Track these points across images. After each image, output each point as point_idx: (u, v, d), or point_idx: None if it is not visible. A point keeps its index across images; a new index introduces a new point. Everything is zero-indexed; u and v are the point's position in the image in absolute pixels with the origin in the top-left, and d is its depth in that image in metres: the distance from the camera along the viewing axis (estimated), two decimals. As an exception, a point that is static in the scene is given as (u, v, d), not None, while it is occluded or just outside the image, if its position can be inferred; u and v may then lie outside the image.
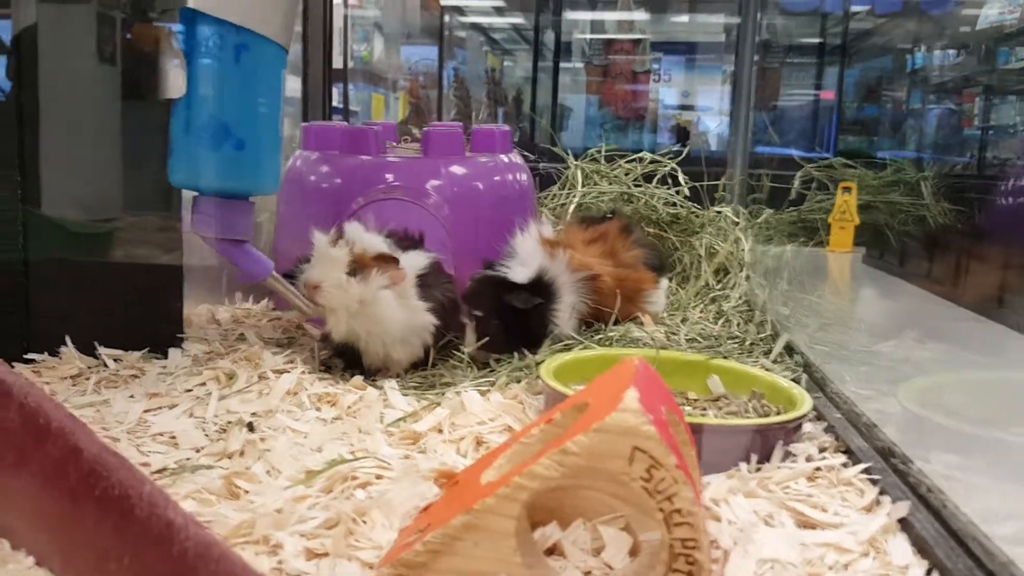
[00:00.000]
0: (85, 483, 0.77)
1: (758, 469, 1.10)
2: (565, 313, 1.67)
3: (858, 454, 1.14)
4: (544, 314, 1.64)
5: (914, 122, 7.75)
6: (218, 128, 1.35)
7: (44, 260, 1.52)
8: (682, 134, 6.56)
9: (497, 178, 2.03)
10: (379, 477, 1.05)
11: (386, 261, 1.44)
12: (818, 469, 1.09)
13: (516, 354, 1.59)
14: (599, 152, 2.41)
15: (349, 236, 1.44)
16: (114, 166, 2.10)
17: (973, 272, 2.20)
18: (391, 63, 7.94)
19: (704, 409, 1.27)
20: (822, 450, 1.18)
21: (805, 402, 1.18)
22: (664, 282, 1.97)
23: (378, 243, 1.48)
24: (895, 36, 7.98)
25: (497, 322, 1.59)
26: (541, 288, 1.63)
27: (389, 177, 1.92)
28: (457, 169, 1.96)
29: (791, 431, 1.14)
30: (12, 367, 1.41)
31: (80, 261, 1.60)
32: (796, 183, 2.89)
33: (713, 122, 7.16)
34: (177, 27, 1.58)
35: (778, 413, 1.22)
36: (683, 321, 1.96)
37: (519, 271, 1.63)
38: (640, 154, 2.38)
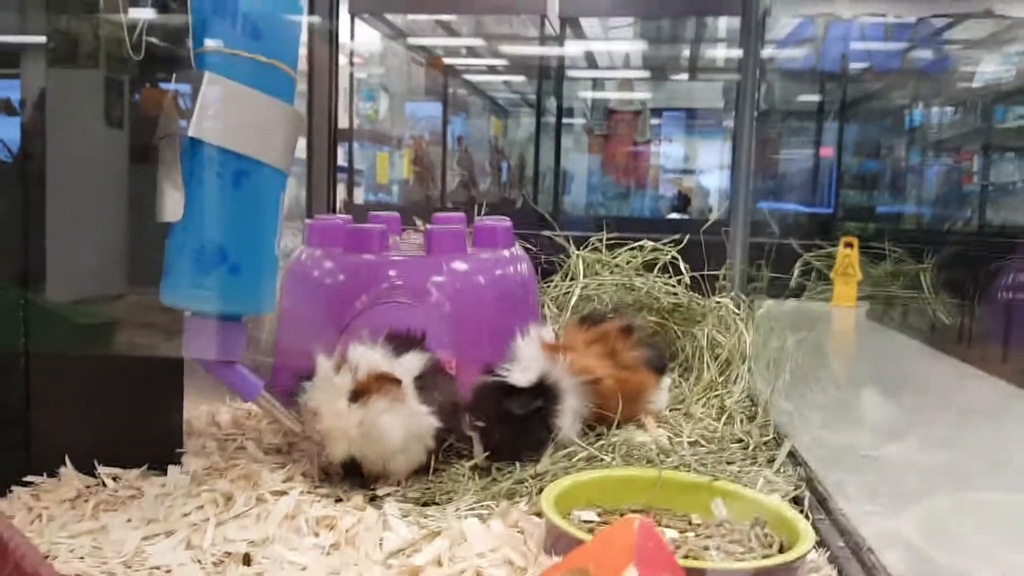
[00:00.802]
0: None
1: (761, 613, 1.08)
2: (568, 417, 1.67)
3: (862, 593, 1.13)
4: (546, 417, 1.64)
5: (914, 178, 7.81)
6: (215, 252, 1.36)
7: (44, 365, 1.50)
8: (684, 201, 6.61)
9: (499, 272, 2.04)
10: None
11: (388, 382, 1.44)
12: (821, 614, 1.08)
13: (519, 463, 1.58)
14: (600, 241, 2.42)
15: (352, 361, 1.44)
16: (120, 234, 2.09)
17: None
18: (396, 121, 8.03)
19: (708, 537, 1.26)
20: (825, 588, 1.16)
21: (807, 539, 1.17)
22: (666, 380, 1.97)
23: (380, 361, 1.47)
24: (893, 94, 8.07)
25: (501, 431, 1.59)
26: (543, 391, 1.63)
27: (392, 274, 1.93)
28: (459, 265, 1.97)
29: (794, 570, 1.13)
30: (12, 491, 1.42)
31: (81, 363, 1.59)
32: (795, 272, 2.90)
33: (714, 184, 7.21)
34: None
35: (781, 545, 1.21)
36: (686, 415, 1.96)
37: (520, 376, 1.63)
38: (641, 243, 2.38)
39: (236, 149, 1.35)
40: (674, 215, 6.39)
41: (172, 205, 1.35)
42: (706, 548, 1.21)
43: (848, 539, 1.29)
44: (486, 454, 1.57)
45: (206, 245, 1.35)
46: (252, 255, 1.39)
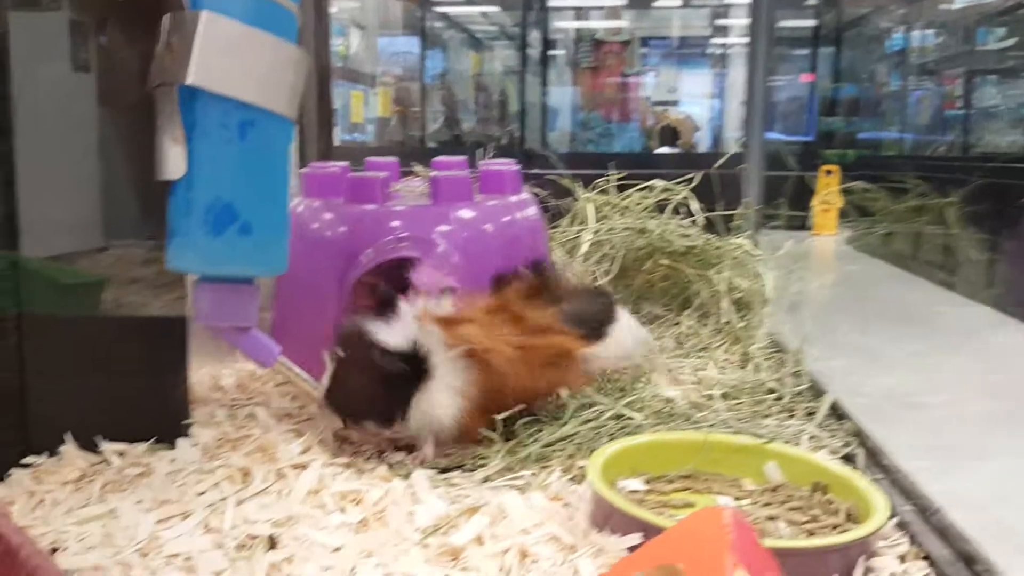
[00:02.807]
0: None
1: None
2: (443, 395, 1.41)
3: (940, 563, 1.06)
4: (407, 389, 1.40)
5: (895, 103, 7.72)
6: (223, 211, 1.23)
7: (38, 332, 1.38)
8: (671, 135, 6.46)
9: (507, 218, 1.93)
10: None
11: None
12: (904, 590, 1.01)
13: (543, 427, 1.49)
14: (607, 181, 2.31)
15: None
16: (93, 183, 1.97)
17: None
18: (369, 57, 7.79)
19: (767, 505, 1.18)
20: (901, 558, 1.09)
21: (880, 506, 1.09)
22: (625, 318, 1.75)
23: None
24: (875, 18, 7.95)
25: (359, 375, 1.39)
26: (411, 361, 1.40)
27: (396, 225, 1.82)
28: (465, 214, 1.86)
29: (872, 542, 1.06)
30: (10, 474, 1.31)
31: (76, 328, 1.47)
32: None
33: (703, 115, 7.08)
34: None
35: (848, 512, 1.14)
36: (707, 365, 1.88)
37: (393, 334, 1.40)
38: (652, 182, 2.28)
39: (241, 97, 1.22)
40: (664, 149, 6.24)
41: (173, 161, 1.22)
42: (771, 518, 1.13)
43: (915, 501, 1.21)
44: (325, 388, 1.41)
45: (213, 204, 1.23)
46: (263, 212, 1.27)
